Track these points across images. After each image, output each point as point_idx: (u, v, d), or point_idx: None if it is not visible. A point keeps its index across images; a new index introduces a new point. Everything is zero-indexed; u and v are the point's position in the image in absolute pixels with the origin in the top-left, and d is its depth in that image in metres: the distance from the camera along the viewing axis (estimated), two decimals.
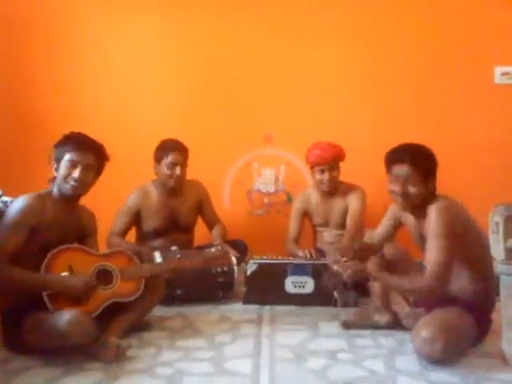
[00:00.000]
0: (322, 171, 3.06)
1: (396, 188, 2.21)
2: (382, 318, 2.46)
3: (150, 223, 3.05)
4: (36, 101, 3.60)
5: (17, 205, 2.18)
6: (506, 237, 2.03)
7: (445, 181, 3.23)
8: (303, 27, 3.56)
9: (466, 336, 2.14)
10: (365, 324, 2.48)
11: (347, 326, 2.49)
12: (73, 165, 2.23)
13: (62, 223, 2.27)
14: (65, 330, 2.00)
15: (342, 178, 3.17)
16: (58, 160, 2.26)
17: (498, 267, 2.12)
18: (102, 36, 3.61)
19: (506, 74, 3.44)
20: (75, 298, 2.16)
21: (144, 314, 2.47)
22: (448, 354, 2.06)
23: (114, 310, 2.30)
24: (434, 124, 3.52)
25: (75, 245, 2.35)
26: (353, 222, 3.06)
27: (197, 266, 2.50)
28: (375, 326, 2.46)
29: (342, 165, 3.11)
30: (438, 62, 3.51)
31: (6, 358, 2.18)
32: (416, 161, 2.19)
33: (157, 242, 3.01)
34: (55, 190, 2.28)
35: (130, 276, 2.34)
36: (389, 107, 3.55)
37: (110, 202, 2.96)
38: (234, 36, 3.59)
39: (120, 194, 3.06)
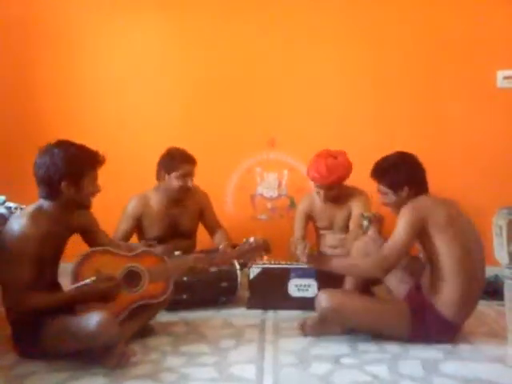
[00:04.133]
0: (318, 187, 3.06)
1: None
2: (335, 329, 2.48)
3: (152, 231, 3.05)
4: (37, 106, 3.61)
5: (16, 234, 2.09)
6: (510, 240, 2.03)
7: (447, 184, 3.25)
8: (305, 31, 3.57)
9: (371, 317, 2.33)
10: (322, 331, 2.48)
11: (303, 329, 2.50)
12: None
13: (55, 233, 2.22)
14: (94, 331, 2.00)
15: (347, 181, 3.17)
16: None
17: (503, 271, 2.12)
18: (102, 41, 3.64)
19: (509, 77, 3.44)
20: (102, 299, 2.16)
21: (149, 318, 2.47)
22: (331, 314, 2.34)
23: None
24: (437, 128, 3.52)
25: (102, 248, 2.33)
26: (356, 226, 3.06)
27: (229, 260, 2.57)
28: (331, 333, 2.47)
29: None
30: (441, 66, 3.51)
31: (11, 362, 2.19)
32: (380, 176, 2.43)
33: (158, 249, 3.00)
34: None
35: (159, 276, 2.34)
36: (391, 111, 3.55)
37: (111, 207, 2.94)
38: (235, 40, 3.60)
39: (121, 199, 3.07)
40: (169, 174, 2.98)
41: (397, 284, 2.47)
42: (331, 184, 3.01)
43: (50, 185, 2.16)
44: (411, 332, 2.29)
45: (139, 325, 2.39)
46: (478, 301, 2.35)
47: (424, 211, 2.28)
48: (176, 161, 2.97)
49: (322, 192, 3.07)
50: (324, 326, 2.48)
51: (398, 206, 2.38)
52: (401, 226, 2.27)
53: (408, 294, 2.39)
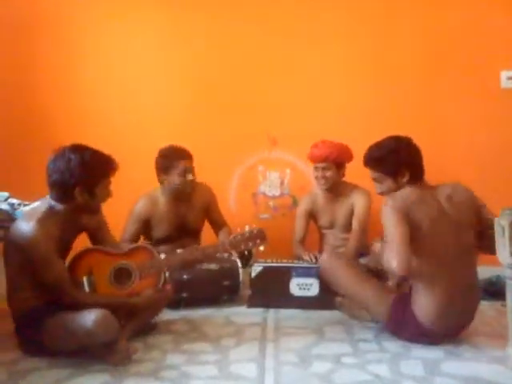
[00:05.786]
0: (317, 169, 3.10)
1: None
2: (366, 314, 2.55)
3: (160, 230, 3.05)
4: (39, 103, 3.61)
5: (34, 238, 2.08)
6: None
7: None
8: (305, 29, 3.57)
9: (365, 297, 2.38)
10: (355, 313, 2.61)
11: (339, 305, 2.68)
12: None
13: (65, 234, 2.24)
14: (91, 329, 2.01)
15: (348, 178, 3.17)
16: None
17: (504, 271, 2.11)
18: (104, 40, 3.64)
19: None
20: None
21: (152, 316, 2.47)
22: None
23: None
24: (440, 128, 3.52)
25: (95, 246, 2.36)
26: (358, 224, 3.06)
27: (222, 250, 2.49)
28: (361, 318, 2.58)
29: (347, 165, 3.13)
30: (444, 67, 3.51)
31: (13, 359, 2.20)
32: (378, 163, 2.30)
33: (164, 248, 2.96)
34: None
35: (149, 271, 2.35)
36: (393, 111, 3.54)
37: (114, 206, 2.93)
38: (236, 39, 3.60)
39: (124, 198, 3.06)
40: (166, 172, 2.98)
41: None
42: (327, 157, 3.03)
43: (63, 189, 2.17)
44: (388, 321, 2.33)
45: (140, 323, 2.39)
46: (460, 308, 2.23)
47: (404, 209, 2.15)
48: (172, 158, 2.97)
49: (320, 175, 3.07)
50: (357, 309, 2.57)
51: None
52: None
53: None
